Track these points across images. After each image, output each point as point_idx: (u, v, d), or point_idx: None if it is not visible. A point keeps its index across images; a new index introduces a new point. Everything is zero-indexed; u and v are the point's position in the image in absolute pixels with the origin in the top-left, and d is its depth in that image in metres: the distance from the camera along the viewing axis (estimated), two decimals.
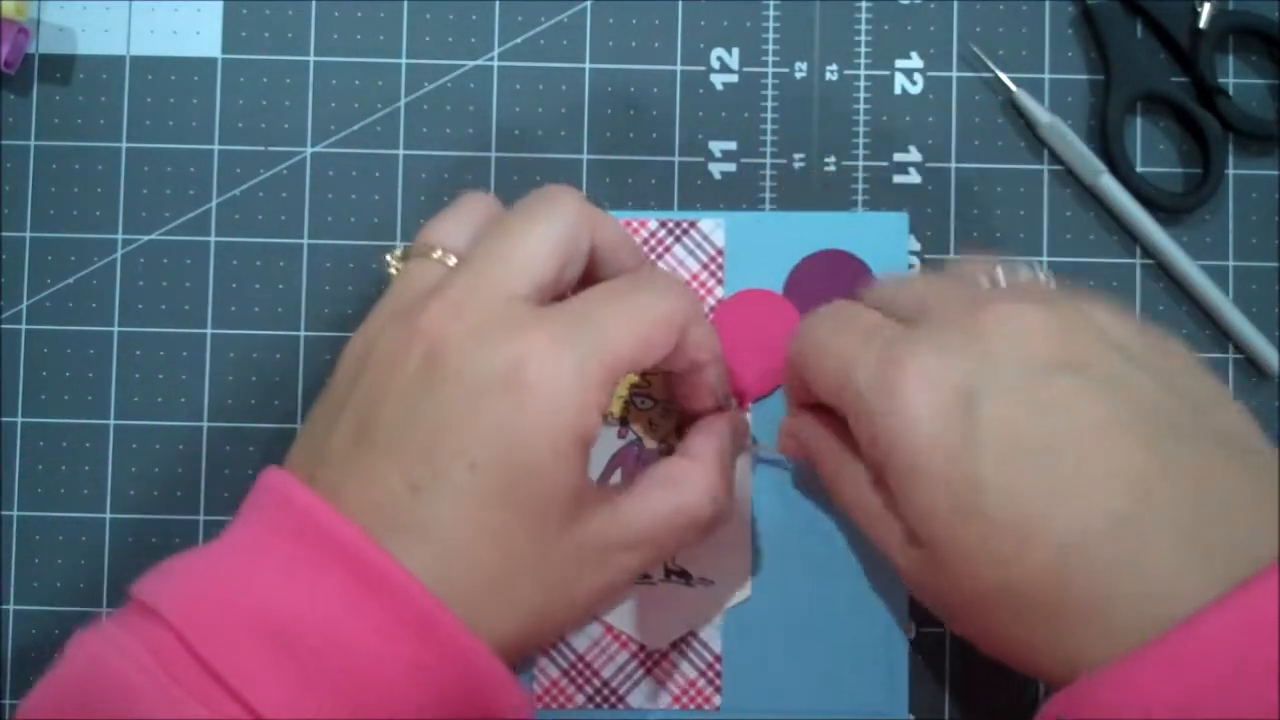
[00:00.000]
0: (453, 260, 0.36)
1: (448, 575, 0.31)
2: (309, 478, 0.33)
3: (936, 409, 0.32)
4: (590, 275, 0.37)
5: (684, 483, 0.36)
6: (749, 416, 0.43)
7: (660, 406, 0.43)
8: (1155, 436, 0.30)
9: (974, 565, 0.31)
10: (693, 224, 0.44)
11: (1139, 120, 0.45)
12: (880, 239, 0.43)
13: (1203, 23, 0.44)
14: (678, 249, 0.43)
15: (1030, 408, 0.31)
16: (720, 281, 0.43)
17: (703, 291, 0.43)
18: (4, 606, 0.43)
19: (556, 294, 0.35)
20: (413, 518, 0.32)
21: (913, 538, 0.33)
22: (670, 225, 0.44)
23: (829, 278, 0.43)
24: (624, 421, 0.43)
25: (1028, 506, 0.30)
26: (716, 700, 0.42)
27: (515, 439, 0.32)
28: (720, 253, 0.43)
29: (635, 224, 0.44)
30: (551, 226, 0.35)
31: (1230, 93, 0.44)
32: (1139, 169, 0.44)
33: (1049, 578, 0.30)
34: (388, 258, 0.38)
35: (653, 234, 0.44)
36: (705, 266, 0.43)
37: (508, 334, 0.32)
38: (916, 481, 0.32)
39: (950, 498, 0.31)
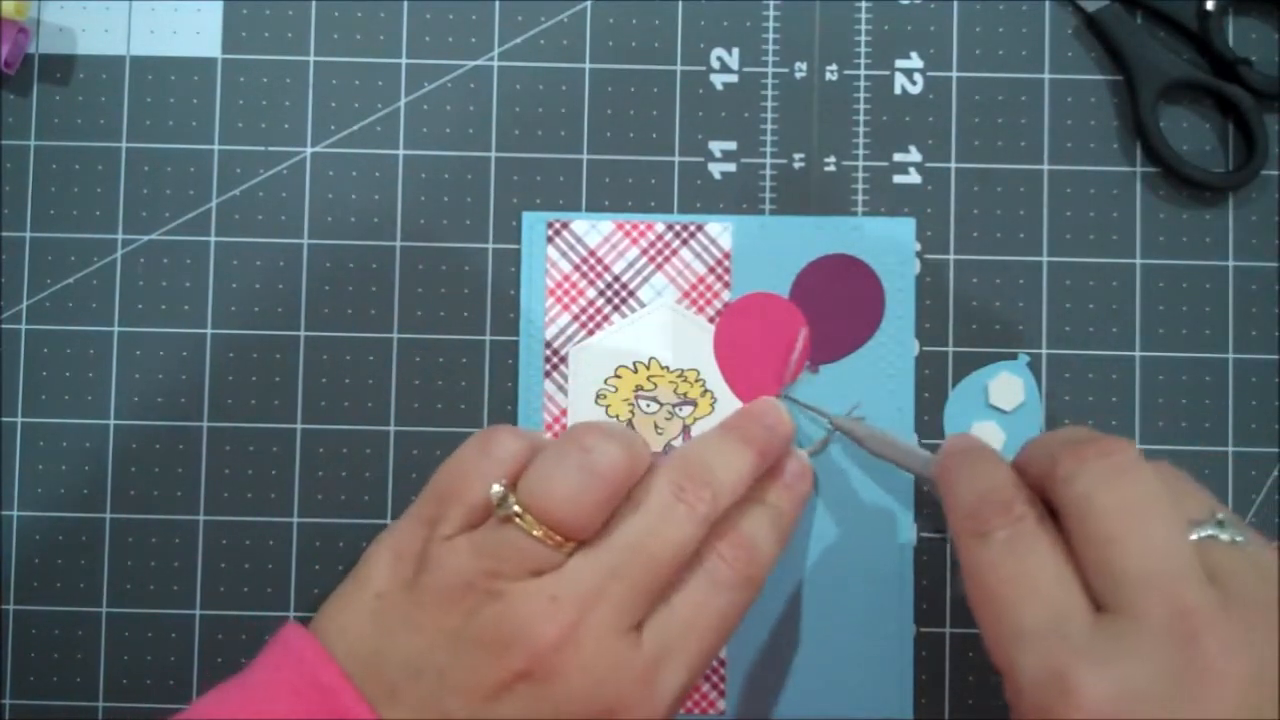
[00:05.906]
0: (561, 550, 0.34)
1: None
2: (360, 675, 0.33)
3: None
4: None
5: None
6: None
7: (665, 409, 0.43)
8: None
9: None
10: (700, 227, 0.44)
11: (1168, 110, 0.45)
12: (887, 244, 0.43)
13: (1209, 4, 0.44)
14: (684, 252, 0.43)
15: None
16: (727, 285, 0.43)
17: (709, 295, 0.43)
18: (5, 606, 0.43)
19: None
20: None
21: None
22: (677, 228, 0.44)
23: (835, 282, 0.43)
24: (629, 425, 0.43)
25: None
26: (721, 705, 0.42)
27: None
28: (727, 256, 0.43)
29: (642, 226, 0.44)
30: (675, 546, 0.34)
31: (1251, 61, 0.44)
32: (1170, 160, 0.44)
33: None
34: (494, 489, 0.34)
35: (659, 237, 0.44)
36: (712, 270, 0.43)
37: (612, 679, 0.32)
38: None
39: None
